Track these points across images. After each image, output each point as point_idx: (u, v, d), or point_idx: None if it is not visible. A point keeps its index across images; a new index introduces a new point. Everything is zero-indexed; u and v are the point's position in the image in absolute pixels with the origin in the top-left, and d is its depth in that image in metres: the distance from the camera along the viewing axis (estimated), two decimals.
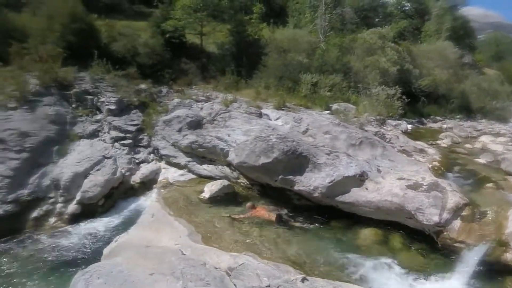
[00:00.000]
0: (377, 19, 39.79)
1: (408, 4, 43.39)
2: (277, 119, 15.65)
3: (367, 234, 10.52)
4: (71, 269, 9.50)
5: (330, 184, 11.10)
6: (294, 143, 11.86)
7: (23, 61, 16.52)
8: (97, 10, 21.80)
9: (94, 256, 9.89)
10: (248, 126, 14.09)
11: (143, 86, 17.99)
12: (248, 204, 11.65)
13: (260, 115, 15.88)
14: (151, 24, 22.38)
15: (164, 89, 19.21)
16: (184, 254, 7.88)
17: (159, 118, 15.84)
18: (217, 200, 11.70)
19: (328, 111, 19.40)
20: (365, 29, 29.25)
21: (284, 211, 11.84)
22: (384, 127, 20.04)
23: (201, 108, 16.50)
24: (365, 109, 20.19)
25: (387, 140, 16.01)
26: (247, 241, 9.29)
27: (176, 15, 22.48)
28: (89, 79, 16.95)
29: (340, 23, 31.12)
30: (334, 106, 20.16)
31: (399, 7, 42.91)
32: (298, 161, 11.59)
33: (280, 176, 11.56)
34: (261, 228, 10.08)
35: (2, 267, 9.89)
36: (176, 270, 6.88)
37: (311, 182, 11.29)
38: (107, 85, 17.13)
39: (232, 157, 12.75)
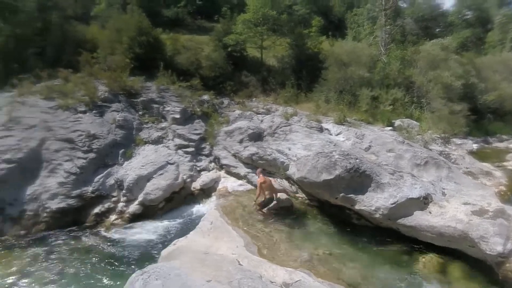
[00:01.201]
0: (437, 29, 37.78)
1: (469, 12, 40.99)
2: (338, 134, 15.21)
3: (425, 260, 9.75)
4: (125, 266, 9.91)
5: (393, 205, 10.43)
6: (357, 160, 11.34)
7: (92, 69, 17.70)
8: (161, 24, 23.00)
9: (150, 256, 10.18)
10: (309, 141, 13.78)
11: (205, 97, 18.37)
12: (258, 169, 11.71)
13: (321, 130, 15.50)
14: (213, 38, 22.84)
15: (226, 101, 19.43)
16: (241, 265, 7.74)
17: (221, 128, 16.02)
18: (274, 212, 11.33)
19: (390, 127, 18.27)
20: (427, 40, 27.65)
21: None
22: (449, 146, 18.48)
23: (262, 121, 16.44)
24: (429, 126, 18.62)
25: (452, 160, 15.08)
26: (302, 256, 8.99)
27: (237, 29, 22.91)
28: (155, 89, 17.72)
29: (401, 35, 29.80)
30: (397, 122, 18.93)
31: (459, 15, 40.65)
32: (360, 180, 11.04)
33: (341, 194, 11.02)
34: (316, 244, 9.78)
35: (62, 255, 10.52)
36: (233, 280, 6.78)
37: (373, 202, 10.66)
38: (172, 95, 17.72)
39: (293, 171, 12.40)
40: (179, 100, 17.38)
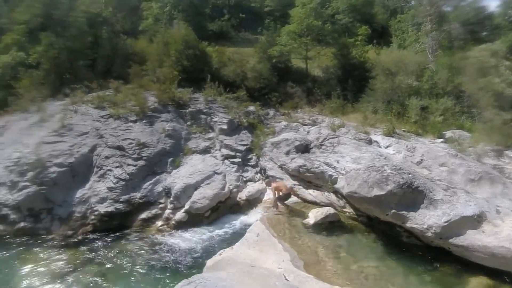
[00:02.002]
0: (484, 33, 35.76)
1: None
2: (388, 146, 14.62)
3: (476, 283, 9.14)
4: (169, 272, 10.02)
5: (446, 224, 9.86)
6: (410, 175, 10.84)
7: (142, 80, 18.36)
8: (206, 37, 23.31)
9: (195, 264, 10.20)
10: (357, 153, 13.29)
11: (251, 108, 18.36)
12: (266, 181, 11.91)
13: (369, 142, 14.97)
14: (258, 50, 22.84)
15: (271, 112, 19.27)
16: (288, 280, 7.55)
17: (267, 139, 15.87)
18: (321, 227, 11.05)
19: (441, 139, 17.06)
20: (474, 45, 26.11)
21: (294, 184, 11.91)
22: (502, 159, 17.03)
23: (308, 132, 16.16)
24: (481, 138, 17.33)
25: (506, 175, 13.82)
26: (349, 274, 8.70)
27: (282, 41, 22.75)
28: (203, 100, 18.01)
29: (448, 41, 28.40)
30: (448, 134, 17.70)
31: (506, 17, 38.30)
32: (413, 196, 10.52)
33: (392, 211, 10.49)
34: (363, 261, 9.44)
35: (106, 258, 10.79)
36: None
37: (425, 220, 10.10)
38: (219, 106, 17.93)
39: (342, 185, 11.97)
40: (226, 111, 17.50)
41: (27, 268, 10.41)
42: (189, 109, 17.16)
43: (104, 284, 9.55)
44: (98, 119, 15.62)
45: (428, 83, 21.34)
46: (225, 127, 16.41)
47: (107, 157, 13.90)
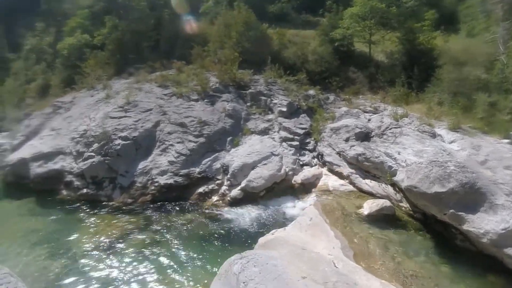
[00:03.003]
0: None
1: None
2: (452, 142, 13.61)
3: None
4: (220, 244, 10.15)
5: (503, 231, 9.01)
6: (473, 175, 9.98)
7: (204, 61, 18.76)
8: (267, 19, 22.89)
9: (246, 240, 10.22)
10: (420, 146, 12.57)
11: (311, 92, 17.87)
12: None
13: (433, 135, 13.97)
14: (319, 33, 22.08)
15: (331, 97, 18.60)
16: (337, 267, 7.43)
17: (326, 124, 15.45)
18: (374, 219, 10.60)
19: (507, 140, 15.39)
20: None
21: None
22: None
23: (369, 120, 15.48)
24: None
25: None
26: (398, 270, 8.32)
27: (344, 23, 21.73)
28: (263, 82, 17.88)
29: None
30: None
31: None
32: (473, 197, 9.69)
33: (451, 210, 9.71)
34: (413, 259, 9.02)
35: (162, 226, 11.26)
36: (328, 282, 6.59)
37: (483, 224, 9.26)
38: (279, 88, 17.66)
39: (401, 178, 11.25)
40: (285, 93, 17.21)
41: (86, 230, 11.23)
42: (250, 90, 17.15)
43: (157, 251, 9.90)
44: (162, 97, 16.18)
45: (497, 76, 19.41)
46: (284, 109, 16.15)
47: (169, 133, 14.40)
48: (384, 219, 10.59)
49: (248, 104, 16.67)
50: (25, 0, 44.50)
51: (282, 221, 10.91)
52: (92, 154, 13.85)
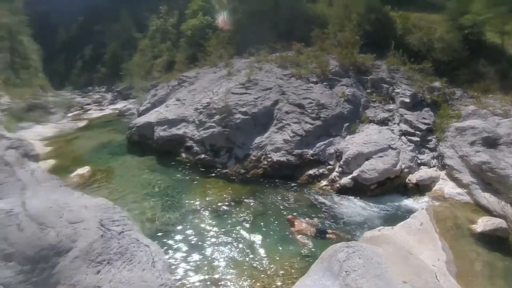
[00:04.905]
0: None
1: None
2: None
3: None
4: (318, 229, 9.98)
5: None
6: None
7: (323, 44, 18.46)
8: (388, 1, 20.96)
9: (349, 231, 10.03)
10: None
11: (436, 84, 16.38)
12: (289, 216, 10.29)
13: None
14: (446, 18, 19.76)
15: (458, 92, 16.73)
16: (438, 281, 7.07)
17: (450, 123, 14.12)
18: (486, 239, 9.59)
19: None
20: None
21: (325, 225, 10.21)
22: None
23: (498, 124, 13.56)
24: None
25: None
26: None
27: (475, 9, 18.92)
28: (385, 68, 16.95)
29: None
30: None
31: None
32: None
33: None
34: None
35: (269, 199, 11.74)
36: None
37: None
38: (402, 76, 16.60)
39: None
40: (409, 83, 16.11)
41: (198, 190, 12.55)
42: (371, 76, 16.51)
43: (260, 223, 10.34)
44: (281, 77, 16.52)
45: None
46: (407, 100, 15.16)
47: (287, 112, 14.68)
48: (496, 241, 9.55)
49: (368, 90, 16.08)
50: None
51: (390, 219, 10.45)
52: (213, 124, 15.00)
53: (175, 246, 9.17)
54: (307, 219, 10.42)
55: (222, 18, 25.40)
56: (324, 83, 15.84)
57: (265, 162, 13.48)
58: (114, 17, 52.95)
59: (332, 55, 17.48)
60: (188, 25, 27.94)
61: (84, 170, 14.19)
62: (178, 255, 8.82)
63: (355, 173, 12.43)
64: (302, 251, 8.92)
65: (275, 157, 13.41)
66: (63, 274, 6.25)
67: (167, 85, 21.81)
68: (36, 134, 21.80)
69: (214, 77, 18.90)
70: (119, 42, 49.72)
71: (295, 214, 10.61)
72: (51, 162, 15.88)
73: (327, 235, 9.66)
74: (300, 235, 9.58)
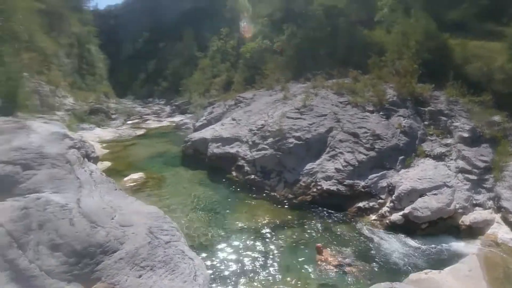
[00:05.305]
0: None
1: None
2: None
3: None
4: (364, 264, 9.92)
5: None
6: None
7: (381, 72, 18.37)
8: (444, 28, 20.35)
9: (394, 270, 9.75)
10: None
11: (496, 118, 15.47)
12: (318, 244, 10.11)
13: None
14: (507, 46, 18.38)
15: None
16: None
17: (510, 161, 13.36)
18: None
19: None
20: None
21: (349, 259, 9.94)
22: None
23: None
24: None
25: None
26: None
27: None
28: (443, 100, 16.48)
29: None
30: None
31: None
32: None
33: None
34: None
35: (315, 226, 11.78)
36: None
37: None
38: (461, 109, 16.00)
39: None
40: (468, 116, 15.50)
41: (244, 209, 12.95)
42: (429, 108, 16.13)
43: (301, 248, 10.44)
44: (337, 104, 16.71)
45: None
46: (466, 135, 14.56)
47: (341, 141, 14.72)
48: None
49: (426, 123, 15.71)
50: (211, 8, 52.52)
51: (438, 262, 10.06)
52: (266, 146, 15.42)
53: (217, 263, 9.55)
54: (338, 250, 10.42)
55: (280, 43, 26.26)
56: (381, 113, 15.76)
57: (315, 190, 13.49)
58: (178, 36, 56.72)
59: (390, 84, 17.33)
60: (247, 48, 29.45)
61: (137, 175, 15.32)
62: (219, 271, 9.17)
63: (406, 210, 11.96)
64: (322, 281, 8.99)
65: (325, 185, 13.37)
66: (105, 272, 6.61)
67: (224, 104, 22.88)
68: (95, 136, 23.86)
69: (270, 99, 19.54)
70: (181, 59, 53.24)
71: (322, 243, 10.54)
72: (107, 163, 17.28)
73: (347, 268, 9.58)
74: (323, 264, 9.64)
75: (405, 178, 13.06)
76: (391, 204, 12.50)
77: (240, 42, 34.07)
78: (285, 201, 13.52)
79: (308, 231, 11.49)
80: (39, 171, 8.33)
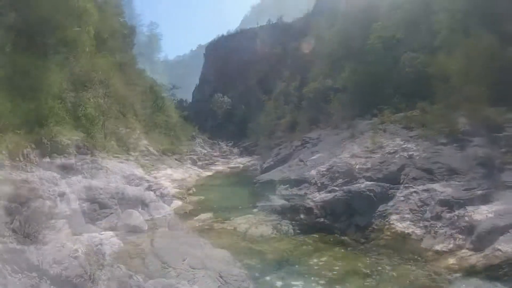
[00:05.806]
0: None
1: None
2: None
3: None
4: None
5: None
6: None
7: (449, 100, 17.24)
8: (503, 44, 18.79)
9: None
10: None
11: None
12: None
13: None
14: None
15: None
16: None
17: None
18: None
19: None
20: None
21: None
22: None
23: None
24: None
25: None
26: None
27: None
28: None
29: None
30: None
31: None
32: None
33: None
34: None
35: (386, 271, 10.84)
36: None
37: None
38: None
39: None
40: None
41: (312, 254, 12.13)
42: (504, 133, 14.64)
43: None
44: (407, 139, 16.14)
45: None
46: None
47: (414, 178, 13.94)
48: None
49: (503, 150, 14.07)
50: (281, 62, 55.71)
51: None
52: (335, 188, 15.08)
53: None
54: None
55: (342, 81, 26.54)
56: (455, 145, 14.80)
57: (388, 233, 12.76)
58: (243, 82, 60.74)
59: (460, 112, 16.28)
60: (309, 88, 30.10)
61: (206, 216, 15.49)
62: None
63: (487, 251, 10.65)
64: None
65: (400, 227, 12.62)
66: None
67: (290, 145, 23.41)
68: (167, 176, 24.71)
69: (336, 139, 19.61)
70: (247, 104, 55.70)
71: None
72: (178, 202, 17.90)
73: None
74: None
75: (485, 215, 11.75)
76: (471, 245, 11.19)
77: (302, 83, 35.03)
78: (357, 245, 12.79)
79: (377, 277, 10.63)
80: (115, 210, 9.25)
